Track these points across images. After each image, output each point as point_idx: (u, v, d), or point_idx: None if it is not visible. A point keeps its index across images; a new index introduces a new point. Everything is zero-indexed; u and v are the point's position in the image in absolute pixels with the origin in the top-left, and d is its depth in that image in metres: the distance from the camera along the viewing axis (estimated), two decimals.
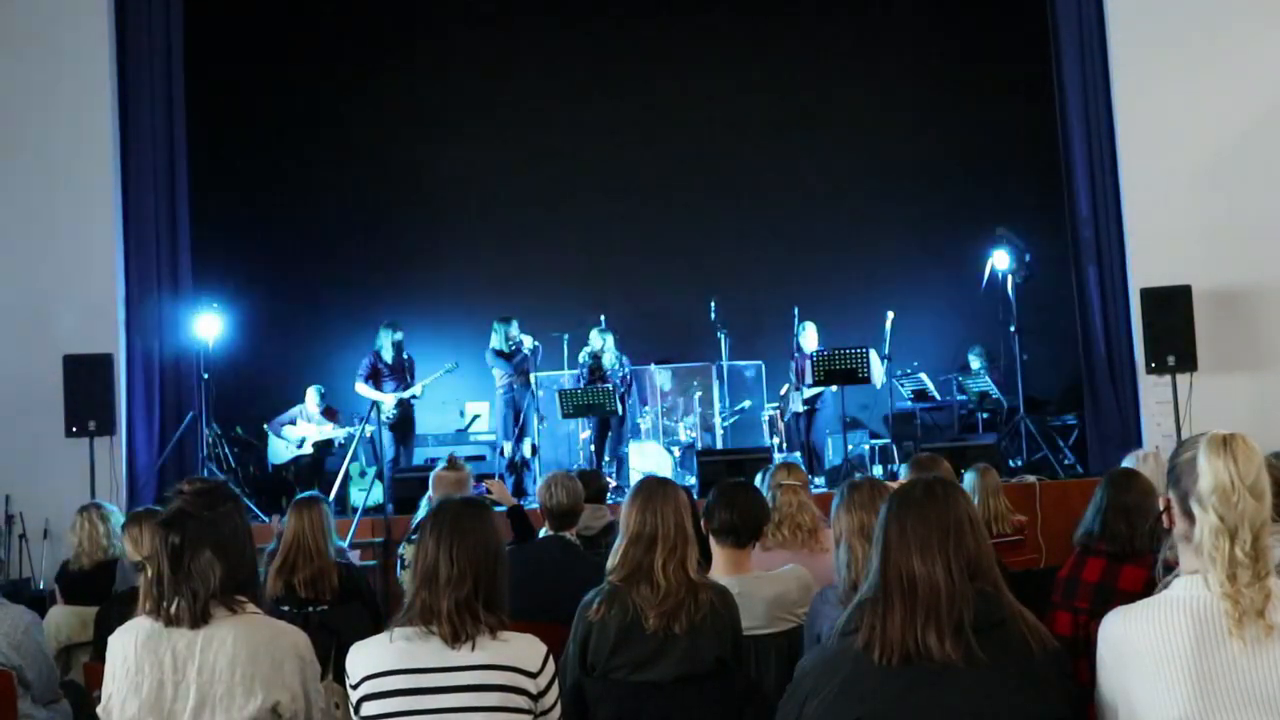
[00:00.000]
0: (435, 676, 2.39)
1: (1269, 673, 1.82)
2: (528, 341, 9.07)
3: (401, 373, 9.09)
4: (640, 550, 2.93)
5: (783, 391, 9.52)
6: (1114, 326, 8.50)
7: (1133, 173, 8.34)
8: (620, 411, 9.05)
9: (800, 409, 9.14)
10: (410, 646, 2.42)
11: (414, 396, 9.02)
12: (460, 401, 10.12)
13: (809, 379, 8.82)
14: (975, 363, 9.46)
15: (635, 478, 8.32)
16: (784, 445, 9.27)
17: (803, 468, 4.56)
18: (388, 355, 9.09)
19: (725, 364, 9.53)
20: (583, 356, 9.37)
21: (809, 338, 9.15)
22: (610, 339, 9.29)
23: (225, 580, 2.49)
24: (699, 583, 2.94)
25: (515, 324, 9.17)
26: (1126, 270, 8.35)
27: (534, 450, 9.11)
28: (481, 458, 9.16)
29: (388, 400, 8.87)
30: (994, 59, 10.09)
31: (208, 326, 8.55)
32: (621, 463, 9.15)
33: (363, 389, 9.01)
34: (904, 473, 4.81)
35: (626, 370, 9.32)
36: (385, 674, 2.40)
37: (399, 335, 9.15)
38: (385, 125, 10.76)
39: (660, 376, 10.02)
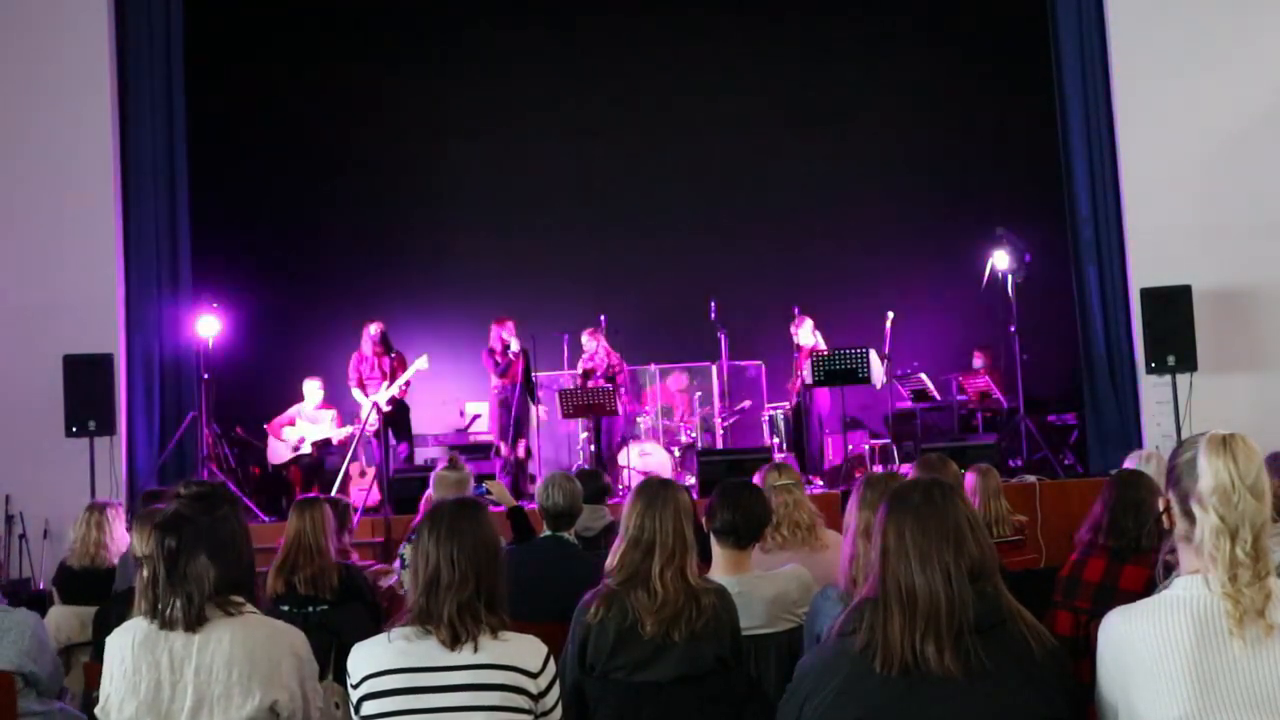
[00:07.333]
0: (435, 676, 2.39)
1: (1269, 673, 1.82)
2: (514, 344, 9.00)
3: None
4: (638, 556, 2.92)
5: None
6: (1114, 326, 8.50)
7: (1133, 173, 8.34)
8: (617, 410, 9.04)
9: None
10: (410, 646, 2.42)
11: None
12: (460, 401, 10.12)
13: (808, 376, 8.81)
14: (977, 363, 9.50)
15: (634, 478, 8.34)
16: (784, 445, 9.27)
17: (795, 468, 4.56)
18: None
19: (725, 364, 9.53)
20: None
21: (805, 334, 9.11)
22: (597, 340, 9.26)
23: (220, 582, 2.50)
24: (699, 588, 2.92)
25: (511, 325, 9.13)
26: (1126, 270, 8.36)
27: (528, 452, 9.08)
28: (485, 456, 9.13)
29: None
30: (994, 59, 10.09)
31: (208, 326, 8.54)
32: (613, 462, 9.08)
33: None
34: (912, 474, 4.79)
35: (616, 371, 9.27)
36: (385, 673, 2.40)
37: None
38: (385, 125, 10.76)
39: (660, 376, 10.02)
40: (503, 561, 2.53)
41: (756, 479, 4.08)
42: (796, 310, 9.21)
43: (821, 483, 8.38)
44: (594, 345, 9.30)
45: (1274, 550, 1.90)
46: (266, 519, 7.88)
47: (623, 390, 9.27)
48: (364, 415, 8.71)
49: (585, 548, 4.40)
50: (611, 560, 2.99)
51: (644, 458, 9.05)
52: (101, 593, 4.43)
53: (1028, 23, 9.19)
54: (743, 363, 10.07)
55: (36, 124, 8.46)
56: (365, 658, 2.45)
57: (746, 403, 9.78)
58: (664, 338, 10.21)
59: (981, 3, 10.23)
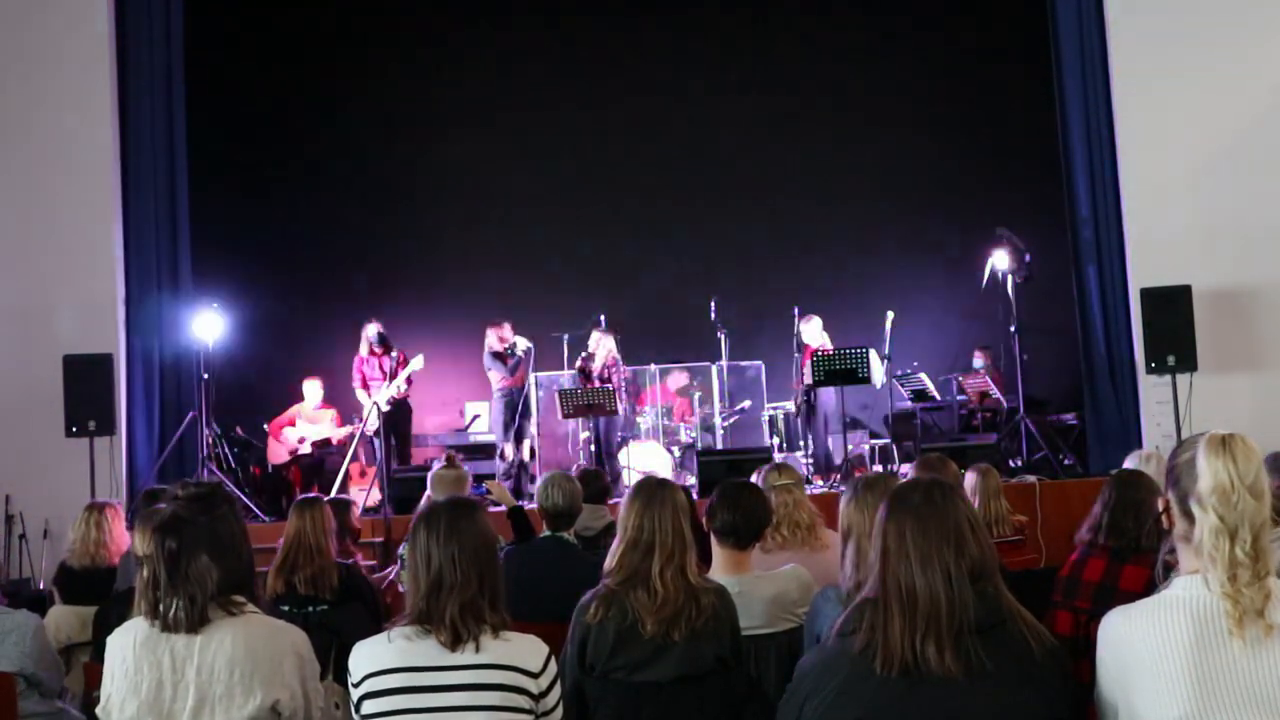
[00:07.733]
0: (436, 675, 2.39)
1: (1269, 672, 1.82)
2: (521, 343, 9.00)
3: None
4: (638, 556, 2.92)
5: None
6: (1114, 326, 8.51)
7: (1133, 173, 8.35)
8: (617, 410, 9.03)
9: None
10: (411, 645, 2.41)
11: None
12: (460, 401, 10.11)
13: (808, 376, 8.79)
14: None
15: (634, 477, 8.32)
16: (784, 445, 9.26)
17: (795, 468, 4.54)
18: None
19: (725, 364, 9.53)
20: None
21: (812, 332, 9.08)
22: (601, 339, 9.25)
23: (222, 583, 2.50)
24: (699, 587, 2.92)
25: (509, 326, 9.12)
26: (1126, 270, 8.37)
27: (532, 453, 9.07)
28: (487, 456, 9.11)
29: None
30: (994, 60, 10.10)
31: (208, 326, 8.54)
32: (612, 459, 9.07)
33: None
34: (911, 474, 4.79)
35: (612, 371, 9.26)
36: (386, 672, 2.40)
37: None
38: (385, 125, 10.77)
39: (660, 376, 10.02)
40: (500, 560, 2.53)
41: (756, 479, 4.07)
42: (797, 311, 9.20)
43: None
44: (596, 344, 9.27)
45: (1274, 550, 1.90)
46: (266, 519, 7.88)
47: (619, 393, 9.26)
48: (365, 415, 8.71)
49: (585, 548, 4.40)
50: (610, 561, 2.99)
51: (643, 457, 9.05)
52: (102, 592, 4.43)
53: (1028, 23, 9.19)
54: (743, 363, 10.07)
55: (37, 124, 8.46)
56: (366, 657, 2.45)
57: (746, 403, 9.77)
58: (664, 338, 10.21)
59: (981, 3, 10.24)
